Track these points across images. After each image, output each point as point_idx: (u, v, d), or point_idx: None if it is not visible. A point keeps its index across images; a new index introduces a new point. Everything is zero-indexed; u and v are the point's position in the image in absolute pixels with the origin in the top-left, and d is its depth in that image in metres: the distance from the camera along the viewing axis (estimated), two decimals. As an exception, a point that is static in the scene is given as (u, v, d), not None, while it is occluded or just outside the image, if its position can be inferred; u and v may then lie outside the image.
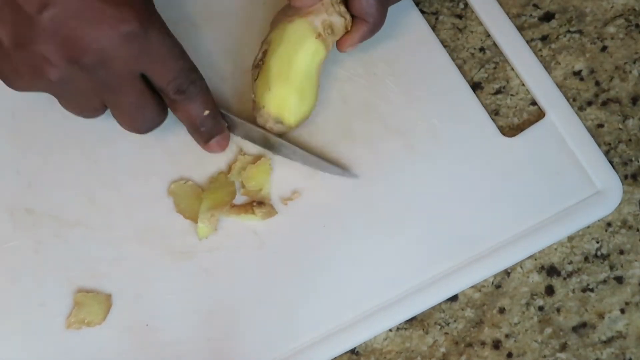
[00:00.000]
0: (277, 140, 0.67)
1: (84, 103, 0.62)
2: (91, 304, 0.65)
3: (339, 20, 0.65)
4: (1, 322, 0.65)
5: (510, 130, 0.70)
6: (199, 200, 0.67)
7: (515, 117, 0.71)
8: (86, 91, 0.61)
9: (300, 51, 0.65)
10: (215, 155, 0.68)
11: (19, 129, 0.69)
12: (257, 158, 0.68)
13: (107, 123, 0.68)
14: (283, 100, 0.65)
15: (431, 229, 0.67)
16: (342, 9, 0.65)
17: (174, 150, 0.69)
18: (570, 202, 0.68)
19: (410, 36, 0.72)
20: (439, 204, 0.67)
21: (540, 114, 0.70)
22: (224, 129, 0.67)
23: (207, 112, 0.65)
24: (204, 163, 0.69)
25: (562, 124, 0.69)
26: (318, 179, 0.68)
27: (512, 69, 0.72)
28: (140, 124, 0.64)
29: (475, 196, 0.67)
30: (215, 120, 0.66)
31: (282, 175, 0.68)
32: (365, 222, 0.67)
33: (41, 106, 0.69)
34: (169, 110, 0.65)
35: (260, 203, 0.67)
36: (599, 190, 0.68)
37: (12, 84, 0.61)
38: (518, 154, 0.69)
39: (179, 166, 0.69)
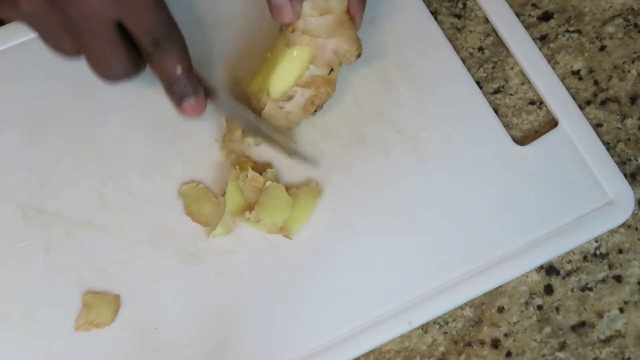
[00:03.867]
0: (256, 122, 0.64)
1: (58, 41, 0.59)
2: (100, 305, 0.62)
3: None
4: (12, 323, 0.62)
5: (517, 133, 0.67)
6: (208, 203, 0.64)
7: (514, 117, 0.68)
8: (58, 29, 0.58)
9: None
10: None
11: (32, 129, 0.67)
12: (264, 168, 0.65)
13: (120, 124, 0.66)
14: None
15: (442, 236, 0.64)
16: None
17: (186, 153, 0.66)
18: (582, 211, 0.64)
19: (424, 42, 0.69)
20: (450, 211, 0.64)
21: (552, 122, 0.67)
22: (199, 92, 0.61)
23: (179, 69, 0.59)
24: (217, 166, 0.66)
25: (575, 134, 0.66)
26: (330, 183, 0.65)
27: (527, 79, 0.69)
28: (108, 73, 0.60)
29: (486, 204, 0.64)
30: (189, 81, 0.60)
31: (295, 176, 0.65)
32: (376, 228, 0.64)
33: (55, 106, 0.67)
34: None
35: None
36: (611, 200, 0.65)
37: None
38: (530, 162, 0.66)
39: (190, 168, 0.66)
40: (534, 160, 0.65)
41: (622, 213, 0.64)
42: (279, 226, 0.63)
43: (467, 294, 0.62)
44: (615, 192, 0.64)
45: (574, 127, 0.66)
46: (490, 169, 0.65)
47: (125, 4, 0.56)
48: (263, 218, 0.63)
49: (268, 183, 0.63)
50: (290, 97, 0.63)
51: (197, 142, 0.66)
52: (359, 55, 0.63)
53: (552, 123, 0.67)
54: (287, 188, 0.63)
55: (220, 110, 0.65)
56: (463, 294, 0.62)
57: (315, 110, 0.64)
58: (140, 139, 0.66)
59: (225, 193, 0.64)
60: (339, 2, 0.61)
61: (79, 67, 0.66)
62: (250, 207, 0.63)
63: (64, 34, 0.58)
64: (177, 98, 0.61)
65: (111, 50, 0.58)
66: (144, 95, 0.67)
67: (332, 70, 0.63)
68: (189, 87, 0.60)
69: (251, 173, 0.63)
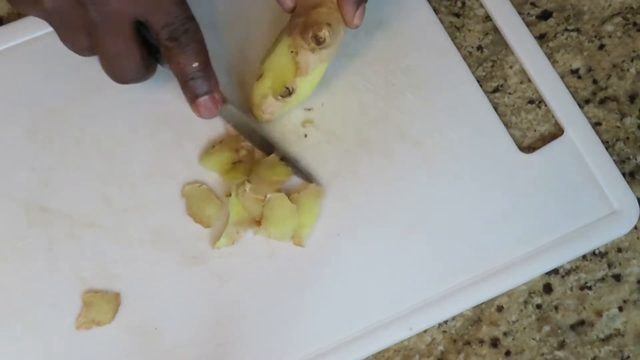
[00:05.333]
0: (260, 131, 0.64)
1: (75, 39, 0.59)
2: (100, 303, 0.61)
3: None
4: (13, 322, 0.61)
5: (516, 132, 0.66)
6: (210, 205, 0.63)
7: (513, 116, 0.67)
8: (77, 26, 0.58)
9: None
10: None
11: (37, 128, 0.66)
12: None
13: (124, 124, 0.65)
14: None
15: (445, 242, 0.62)
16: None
17: (190, 154, 0.65)
18: (586, 220, 0.63)
19: (430, 47, 0.68)
20: (454, 217, 0.63)
21: (555, 125, 0.66)
22: (215, 90, 0.60)
23: (196, 64, 0.59)
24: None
25: (581, 142, 0.65)
26: (334, 187, 0.64)
27: (526, 78, 0.67)
28: (120, 72, 0.60)
29: (490, 211, 0.63)
30: (206, 77, 0.60)
31: (294, 181, 0.64)
32: (378, 232, 0.63)
33: (59, 105, 0.66)
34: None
35: None
36: (615, 210, 0.64)
37: (15, 4, 0.60)
38: (535, 170, 0.65)
39: (194, 169, 0.65)
40: (539, 169, 0.64)
41: (627, 223, 0.63)
42: (289, 235, 0.62)
43: (468, 301, 0.61)
44: (620, 201, 0.63)
45: (579, 136, 0.65)
46: (494, 176, 0.64)
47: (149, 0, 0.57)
48: (272, 231, 0.62)
49: (269, 195, 0.62)
50: (261, 76, 0.62)
51: (201, 143, 0.65)
52: (316, 40, 0.60)
53: (556, 128, 0.66)
54: (289, 195, 0.62)
55: (226, 118, 0.64)
56: (464, 301, 0.61)
57: (290, 93, 0.61)
58: (144, 139, 0.65)
59: (228, 194, 0.63)
60: None
61: (84, 66, 0.66)
62: (254, 219, 0.62)
63: (82, 32, 0.58)
64: (192, 94, 0.60)
65: (126, 50, 0.58)
66: (148, 95, 0.66)
67: (295, 52, 0.60)
68: (204, 84, 0.60)
69: (249, 186, 0.62)
